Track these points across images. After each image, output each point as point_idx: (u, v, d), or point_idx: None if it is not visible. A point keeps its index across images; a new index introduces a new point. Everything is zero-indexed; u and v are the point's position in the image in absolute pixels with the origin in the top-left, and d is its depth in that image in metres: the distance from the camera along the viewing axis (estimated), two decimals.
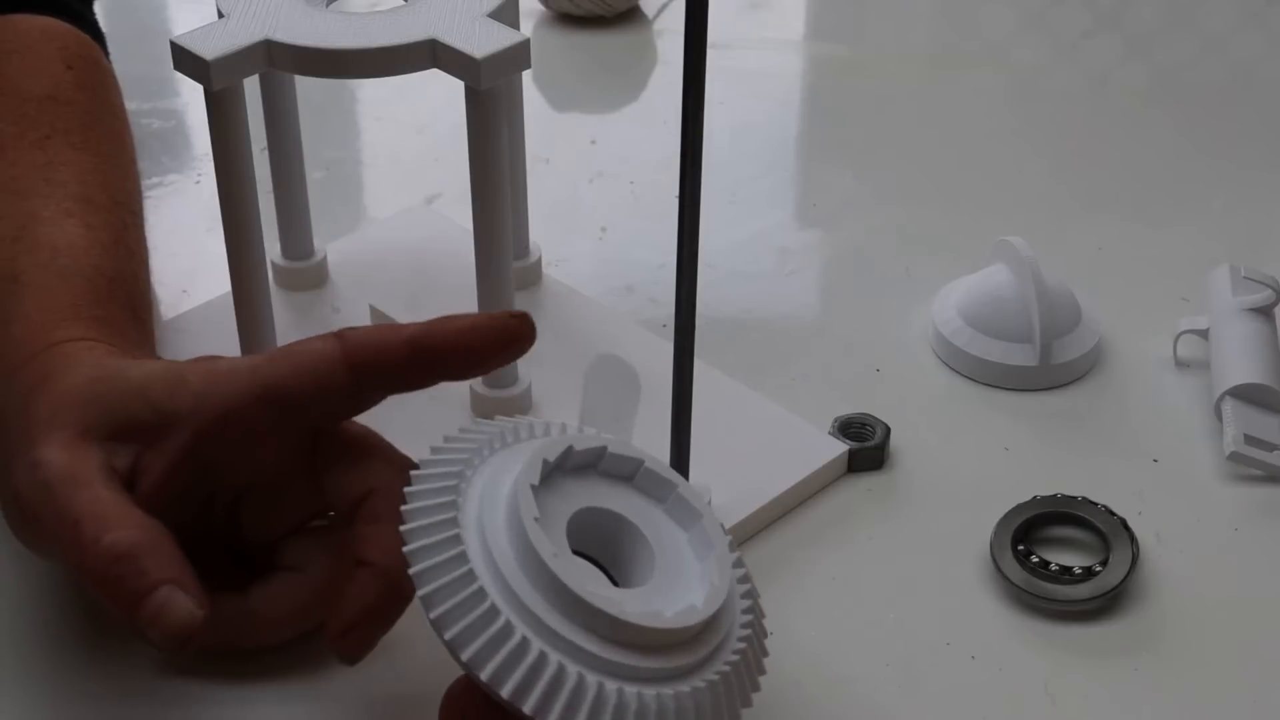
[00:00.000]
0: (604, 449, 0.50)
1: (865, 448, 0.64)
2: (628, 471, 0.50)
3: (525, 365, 0.65)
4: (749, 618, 0.49)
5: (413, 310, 0.68)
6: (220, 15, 0.59)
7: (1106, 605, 0.58)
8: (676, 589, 0.48)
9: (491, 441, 0.49)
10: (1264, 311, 0.68)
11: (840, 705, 0.55)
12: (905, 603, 0.58)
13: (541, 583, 0.45)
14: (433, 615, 0.45)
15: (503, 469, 0.48)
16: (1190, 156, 0.85)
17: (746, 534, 0.61)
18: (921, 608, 0.58)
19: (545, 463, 0.48)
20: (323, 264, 0.72)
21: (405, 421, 0.64)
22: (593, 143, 0.87)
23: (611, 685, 0.45)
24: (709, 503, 0.59)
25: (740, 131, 0.87)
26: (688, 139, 0.51)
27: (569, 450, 0.49)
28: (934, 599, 0.59)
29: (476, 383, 0.64)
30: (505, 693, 0.44)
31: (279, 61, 0.58)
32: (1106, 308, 0.71)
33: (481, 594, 0.45)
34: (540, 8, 0.97)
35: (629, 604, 0.46)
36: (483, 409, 0.65)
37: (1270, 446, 0.63)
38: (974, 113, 0.89)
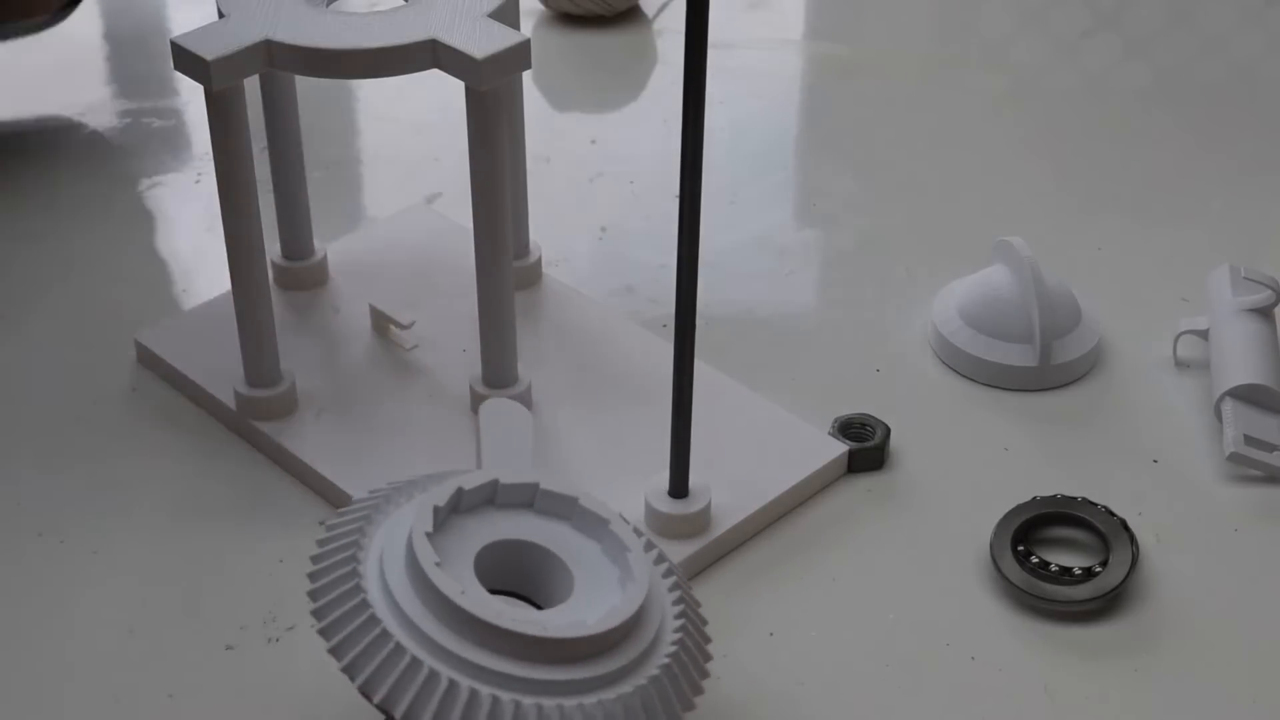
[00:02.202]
0: (495, 482, 0.50)
1: (865, 448, 0.64)
2: (526, 498, 0.51)
3: (525, 365, 0.65)
4: (680, 608, 0.49)
5: (413, 310, 0.68)
6: (220, 15, 0.59)
7: (1106, 606, 0.58)
8: (598, 597, 0.48)
9: (383, 504, 0.50)
10: (1264, 312, 0.68)
11: (840, 705, 0.55)
12: (905, 603, 0.58)
13: (453, 621, 0.45)
14: (342, 665, 0.45)
15: (398, 525, 0.48)
16: (1190, 156, 0.85)
17: (746, 534, 0.61)
18: (921, 608, 0.58)
19: (437, 509, 0.48)
20: (323, 264, 0.72)
21: (405, 421, 0.64)
22: (593, 143, 0.87)
23: (529, 702, 0.45)
24: (713, 514, 0.59)
25: (740, 131, 0.87)
26: (688, 139, 0.51)
27: (459, 492, 0.49)
28: (934, 599, 0.59)
29: (476, 382, 0.64)
30: None
31: (279, 61, 0.58)
32: (1106, 308, 0.71)
33: (386, 636, 0.45)
34: (540, 7, 0.97)
35: (551, 621, 0.46)
36: None
37: (1270, 447, 0.63)
38: (974, 112, 0.89)
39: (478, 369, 0.64)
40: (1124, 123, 0.88)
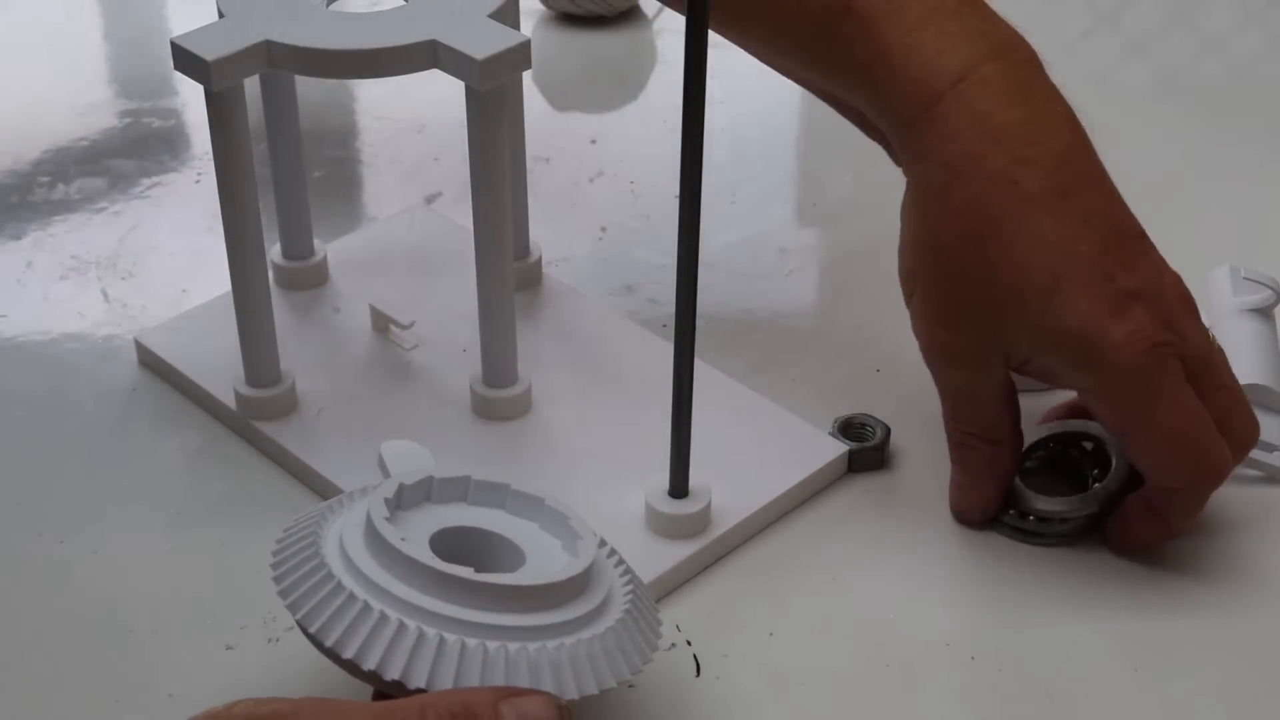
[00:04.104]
0: (431, 479, 0.52)
1: (865, 448, 0.64)
2: (460, 492, 0.53)
3: (525, 365, 0.65)
4: (627, 577, 0.52)
5: (413, 310, 0.68)
6: (220, 15, 0.59)
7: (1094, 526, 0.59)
8: (548, 564, 0.51)
9: (331, 507, 0.52)
10: (1264, 311, 0.68)
11: (840, 705, 0.55)
12: (905, 603, 0.58)
13: (416, 577, 0.48)
14: (312, 629, 0.47)
15: (352, 519, 0.51)
16: (1190, 156, 0.85)
17: (746, 534, 0.61)
18: (921, 608, 0.58)
19: (387, 500, 0.50)
20: (323, 264, 0.72)
21: (406, 422, 0.64)
22: (593, 143, 0.87)
23: (495, 645, 0.47)
24: (707, 503, 0.59)
25: (740, 131, 0.87)
26: (688, 139, 0.51)
27: (401, 487, 0.51)
28: (934, 599, 0.59)
29: (477, 382, 0.64)
30: (394, 674, 0.46)
31: (279, 61, 0.58)
32: None
33: (353, 598, 0.47)
34: (540, 8, 0.97)
35: (521, 578, 0.49)
36: (483, 409, 0.65)
37: (1270, 447, 0.63)
38: None
39: (478, 369, 0.64)
40: (1124, 122, 0.88)
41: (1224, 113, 0.89)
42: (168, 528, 0.61)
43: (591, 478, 0.62)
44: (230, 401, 0.65)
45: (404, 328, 0.68)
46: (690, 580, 0.59)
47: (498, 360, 0.64)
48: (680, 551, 0.59)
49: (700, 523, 0.59)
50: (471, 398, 0.65)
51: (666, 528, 0.59)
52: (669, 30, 0.97)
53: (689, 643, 0.57)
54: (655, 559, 0.58)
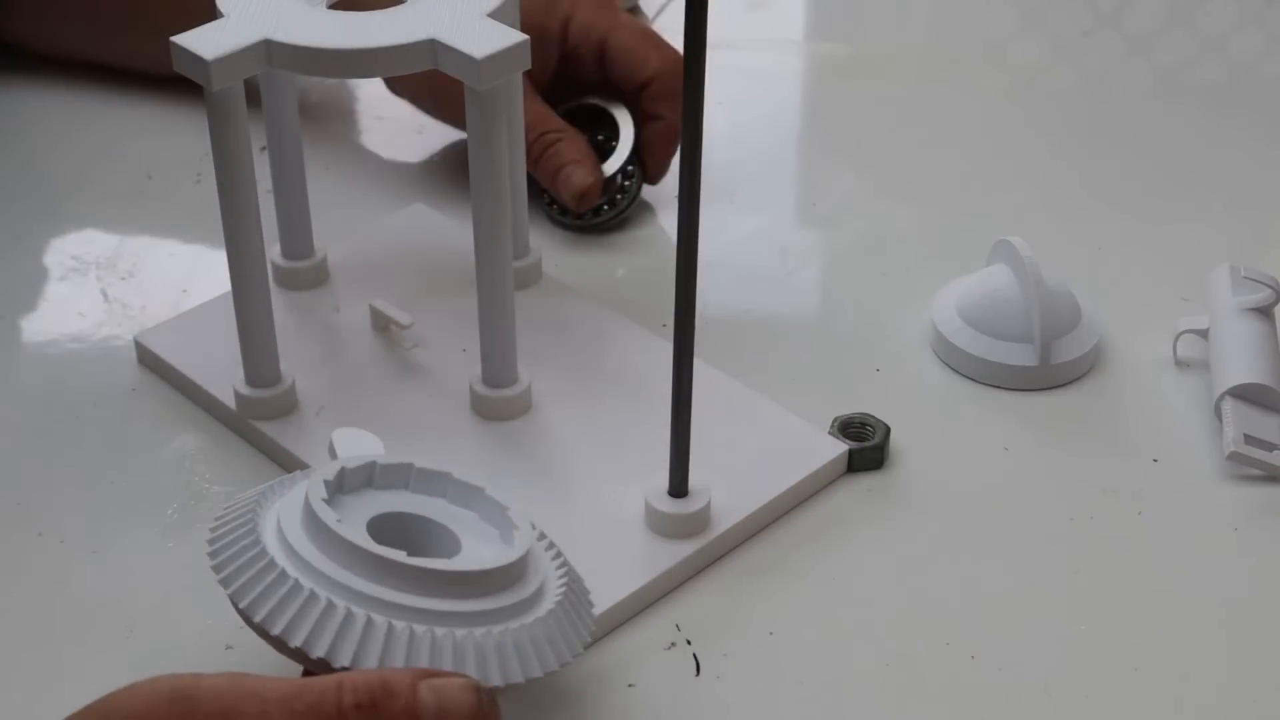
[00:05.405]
0: (374, 464, 0.53)
1: (865, 448, 0.64)
2: (401, 479, 0.53)
3: (525, 365, 0.65)
4: (563, 570, 0.52)
5: (413, 310, 0.68)
6: (220, 15, 0.59)
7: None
8: (485, 554, 0.51)
9: (274, 488, 0.53)
10: (1264, 311, 0.68)
11: (840, 705, 0.55)
12: (905, 603, 0.58)
13: (348, 558, 0.48)
14: (242, 604, 0.48)
15: (291, 503, 0.51)
16: (1190, 156, 0.85)
17: (746, 534, 0.61)
18: (921, 608, 0.58)
19: (327, 482, 0.51)
20: (323, 264, 0.72)
21: (406, 421, 0.64)
22: None
23: (421, 629, 0.47)
24: (708, 503, 0.59)
25: (740, 131, 0.87)
26: (688, 139, 0.51)
27: (343, 471, 0.52)
28: (934, 599, 0.59)
29: (476, 382, 0.64)
30: (319, 652, 0.47)
31: (279, 61, 0.58)
32: (1106, 308, 0.71)
33: (284, 575, 0.48)
34: None
35: (453, 564, 0.50)
36: (483, 408, 0.65)
37: (1270, 446, 0.63)
38: (974, 112, 0.89)
39: (478, 369, 0.64)
40: (1124, 122, 0.88)
41: (1224, 113, 0.90)
42: (168, 528, 0.61)
43: (591, 478, 0.62)
44: (230, 401, 0.65)
45: (404, 328, 0.68)
46: (690, 580, 0.59)
47: (497, 360, 0.64)
48: (680, 551, 0.59)
49: (700, 522, 0.59)
50: (471, 397, 0.65)
51: (666, 527, 0.59)
52: (669, 30, 0.97)
53: (689, 642, 0.57)
54: (655, 559, 0.58)
